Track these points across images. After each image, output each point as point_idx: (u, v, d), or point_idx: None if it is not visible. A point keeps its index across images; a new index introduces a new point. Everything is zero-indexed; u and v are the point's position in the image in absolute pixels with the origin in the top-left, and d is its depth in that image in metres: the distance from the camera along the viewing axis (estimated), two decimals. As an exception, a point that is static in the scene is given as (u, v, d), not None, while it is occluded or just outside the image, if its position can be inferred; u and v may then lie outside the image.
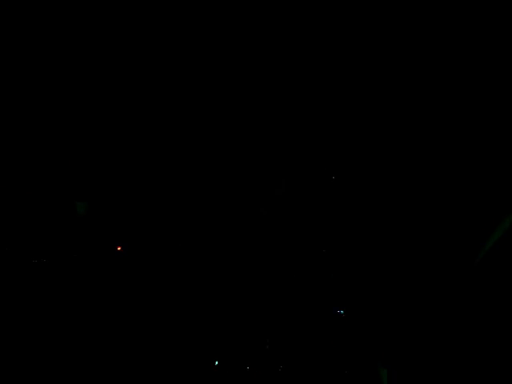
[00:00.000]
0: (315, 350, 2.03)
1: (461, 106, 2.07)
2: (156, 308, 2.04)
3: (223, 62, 2.16)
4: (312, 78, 2.16)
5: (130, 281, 2.05)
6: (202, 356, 2.02)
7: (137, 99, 2.16)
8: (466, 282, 1.92)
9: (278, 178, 2.15)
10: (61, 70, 2.11)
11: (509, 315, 1.86)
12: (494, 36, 2.03)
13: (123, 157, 2.14)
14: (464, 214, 1.99)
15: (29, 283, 1.99)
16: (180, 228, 2.13)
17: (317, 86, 2.16)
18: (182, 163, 2.16)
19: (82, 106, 2.13)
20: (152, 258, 2.09)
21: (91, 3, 2.10)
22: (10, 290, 1.97)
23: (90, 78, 2.13)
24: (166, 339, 2.02)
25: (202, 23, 2.13)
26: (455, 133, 2.06)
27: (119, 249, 2.06)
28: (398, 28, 2.09)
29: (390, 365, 1.94)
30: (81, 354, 1.96)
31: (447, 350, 1.90)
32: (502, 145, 2.01)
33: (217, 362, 2.01)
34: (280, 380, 2.01)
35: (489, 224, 1.91)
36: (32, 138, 2.10)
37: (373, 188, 2.12)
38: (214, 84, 2.17)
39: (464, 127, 2.06)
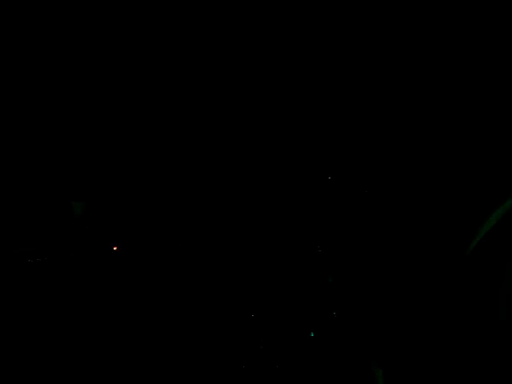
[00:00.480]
0: (310, 349, 2.04)
1: (459, 102, 2.06)
2: (152, 308, 2.05)
3: (223, 62, 2.16)
4: (311, 78, 2.16)
5: (126, 281, 2.06)
6: (198, 356, 2.03)
7: (134, 98, 2.16)
8: (459, 274, 1.92)
9: (273, 179, 2.15)
10: (56, 69, 2.12)
11: (503, 308, 1.85)
12: (494, 36, 2.02)
13: (120, 157, 2.15)
14: (455, 205, 1.99)
15: (25, 283, 2.00)
16: (177, 228, 2.14)
17: (314, 87, 2.16)
18: (179, 163, 2.17)
19: (79, 105, 2.13)
20: (149, 259, 2.10)
21: (91, 3, 2.10)
22: (6, 291, 1.99)
23: (87, 78, 2.13)
24: (162, 339, 2.03)
25: (201, 23, 2.13)
26: (448, 127, 2.06)
27: (115, 249, 2.08)
28: (398, 28, 2.08)
29: (386, 365, 1.95)
30: (78, 355, 1.97)
31: (442, 347, 1.90)
32: (494, 138, 2.00)
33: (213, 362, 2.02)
34: (275, 380, 2.02)
35: (480, 215, 1.91)
36: (28, 137, 2.11)
37: (369, 181, 2.12)
38: (213, 85, 2.16)
39: (457, 122, 2.05)
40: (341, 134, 2.16)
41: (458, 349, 1.87)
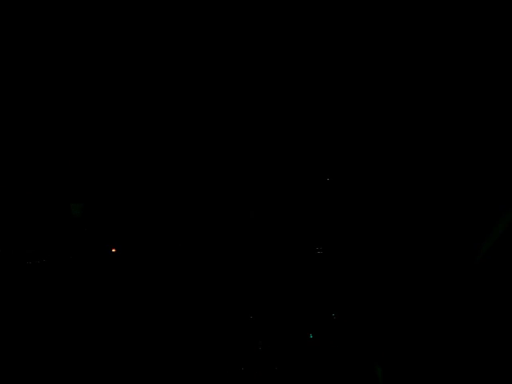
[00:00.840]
0: (311, 349, 2.03)
1: (461, 104, 2.05)
2: (151, 310, 2.05)
3: (222, 62, 2.16)
4: (308, 79, 2.16)
5: (124, 282, 2.06)
6: (198, 357, 2.03)
7: (133, 100, 2.16)
8: (466, 281, 1.91)
9: (269, 181, 2.15)
10: (56, 72, 2.12)
11: (508, 315, 1.85)
12: (494, 36, 2.02)
13: (118, 158, 2.15)
14: (463, 213, 1.99)
15: (24, 285, 2.00)
16: (176, 230, 2.14)
17: (312, 89, 2.16)
18: (176, 166, 2.17)
19: (78, 107, 2.13)
20: (146, 260, 2.10)
21: (91, 3, 2.10)
22: (5, 292, 1.99)
23: (87, 80, 2.13)
24: (161, 340, 2.03)
25: (201, 23, 2.13)
26: (454, 131, 2.05)
27: (114, 250, 2.07)
28: (398, 28, 2.08)
29: (386, 364, 1.94)
30: (77, 354, 1.97)
31: (443, 350, 1.90)
32: (501, 143, 2.00)
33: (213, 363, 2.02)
34: (276, 380, 2.01)
35: (488, 223, 1.91)
36: (27, 139, 2.11)
37: (369, 187, 2.11)
38: (213, 87, 2.17)
39: (463, 126, 2.05)
40: (341, 136, 2.15)
41: (457, 349, 1.87)
